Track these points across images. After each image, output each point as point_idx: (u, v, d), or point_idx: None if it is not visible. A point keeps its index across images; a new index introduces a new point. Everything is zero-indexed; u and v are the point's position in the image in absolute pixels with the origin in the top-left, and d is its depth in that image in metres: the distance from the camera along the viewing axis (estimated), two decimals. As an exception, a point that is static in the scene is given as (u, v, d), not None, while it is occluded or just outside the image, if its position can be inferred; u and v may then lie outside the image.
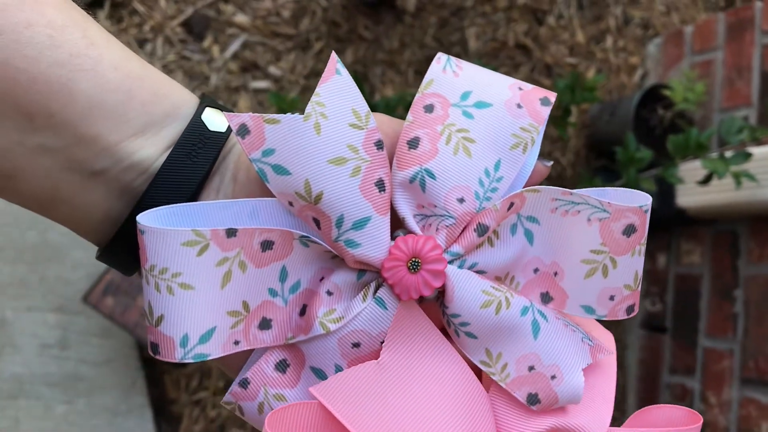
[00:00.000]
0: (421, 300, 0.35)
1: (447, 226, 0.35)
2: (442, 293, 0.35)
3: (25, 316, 1.31)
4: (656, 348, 1.66)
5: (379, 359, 0.34)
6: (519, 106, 0.36)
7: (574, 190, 0.36)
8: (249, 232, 0.33)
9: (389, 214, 0.34)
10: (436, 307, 0.36)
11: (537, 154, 0.37)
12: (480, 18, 1.69)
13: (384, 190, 0.34)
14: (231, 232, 0.33)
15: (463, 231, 0.35)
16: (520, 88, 0.37)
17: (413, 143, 0.35)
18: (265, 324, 0.35)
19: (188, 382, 1.43)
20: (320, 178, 0.33)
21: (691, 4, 1.90)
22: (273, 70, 1.57)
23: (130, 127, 0.34)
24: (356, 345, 0.35)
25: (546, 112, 0.36)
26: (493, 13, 1.69)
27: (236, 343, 0.34)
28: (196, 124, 0.36)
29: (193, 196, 0.36)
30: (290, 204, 0.34)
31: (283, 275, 0.35)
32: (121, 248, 0.36)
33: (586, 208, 0.36)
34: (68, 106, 0.32)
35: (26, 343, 1.31)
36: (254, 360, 0.36)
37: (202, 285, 0.33)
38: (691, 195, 1.51)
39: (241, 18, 1.57)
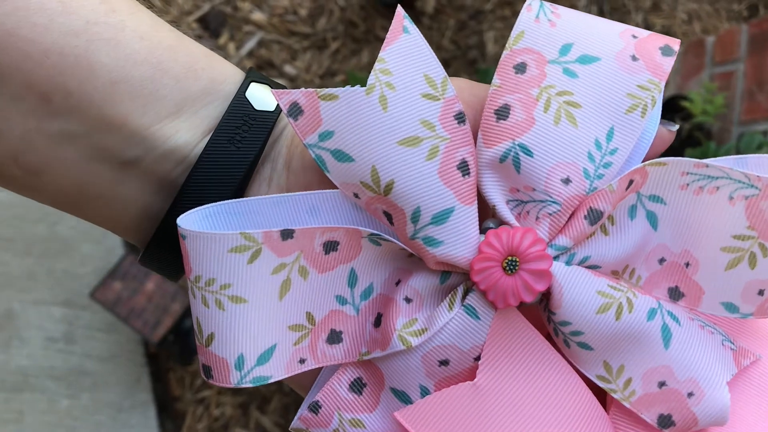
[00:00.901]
0: (521, 304, 0.30)
1: (550, 214, 0.29)
2: (546, 296, 0.30)
3: (31, 309, 1.31)
4: None
5: (475, 380, 0.29)
6: (634, 58, 0.30)
7: (710, 160, 0.29)
8: (309, 232, 0.28)
9: (476, 202, 0.29)
10: (538, 310, 0.31)
11: (659, 117, 0.31)
12: (499, 22, 1.67)
13: (469, 174, 0.29)
14: (287, 234, 0.28)
15: (570, 218, 0.29)
16: (634, 36, 0.30)
17: (502, 113, 0.29)
18: (334, 337, 0.30)
19: (192, 380, 1.43)
20: (390, 164, 0.28)
21: (714, 14, 1.87)
22: (288, 68, 1.56)
23: (163, 107, 0.29)
24: (444, 363, 0.30)
25: (668, 64, 0.30)
26: (513, 17, 1.68)
27: (302, 361, 0.30)
28: (240, 103, 0.31)
29: (240, 188, 0.31)
30: (356, 196, 0.29)
31: (353, 279, 0.30)
32: (162, 249, 0.31)
33: (727, 184, 0.29)
34: (87, 83, 0.28)
35: (32, 336, 1.30)
36: (325, 379, 0.32)
37: (256, 297, 0.28)
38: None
39: (258, 15, 1.57)
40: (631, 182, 0.29)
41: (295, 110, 0.28)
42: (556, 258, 0.29)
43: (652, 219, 0.30)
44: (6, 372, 1.29)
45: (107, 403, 1.33)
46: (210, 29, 1.54)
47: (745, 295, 0.30)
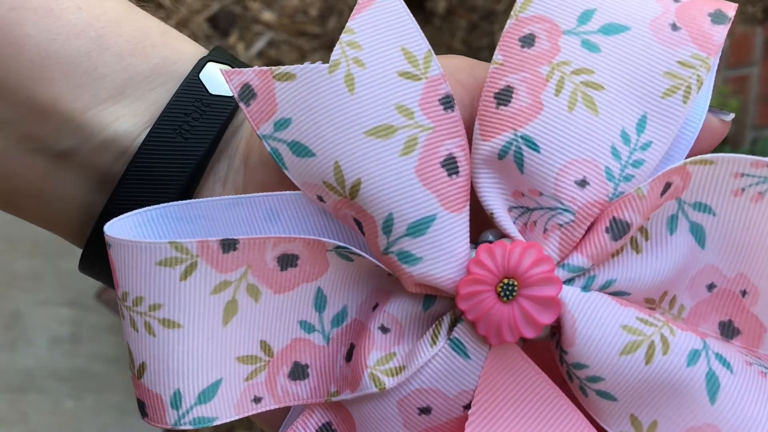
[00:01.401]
0: (522, 340, 0.24)
1: (561, 226, 0.23)
2: (557, 329, 0.24)
3: (38, 310, 1.30)
4: None
5: None
6: (675, 27, 0.24)
7: None
8: (257, 243, 0.23)
9: (467, 209, 0.23)
10: (549, 346, 0.25)
11: (707, 103, 0.25)
12: (510, 23, 1.66)
13: (457, 173, 0.23)
14: (229, 245, 0.23)
15: (588, 231, 0.23)
16: (675, 0, 0.24)
17: (504, 96, 0.23)
18: (298, 372, 0.25)
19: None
20: (356, 159, 0.23)
21: (728, 17, 1.86)
22: (298, 69, 1.56)
23: (102, 89, 0.25)
24: (425, 411, 0.24)
25: (720, 34, 0.24)
26: (524, 19, 1.67)
27: (257, 400, 0.25)
28: (192, 85, 0.26)
29: (188, 188, 0.26)
30: (320, 199, 0.24)
31: (320, 301, 0.25)
32: (100, 256, 0.26)
33: None
34: (12, 59, 0.24)
35: (38, 336, 1.30)
36: (292, 420, 0.26)
37: (193, 321, 0.23)
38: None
39: (267, 15, 1.56)
40: (667, 186, 0.23)
41: (247, 93, 0.23)
42: (569, 281, 0.24)
43: (698, 233, 0.24)
44: (11, 372, 1.29)
45: (112, 405, 1.32)
46: (219, 29, 1.54)
47: None
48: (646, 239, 0.24)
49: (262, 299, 0.24)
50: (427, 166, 0.23)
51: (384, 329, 0.25)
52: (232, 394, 0.24)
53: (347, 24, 0.24)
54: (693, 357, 0.23)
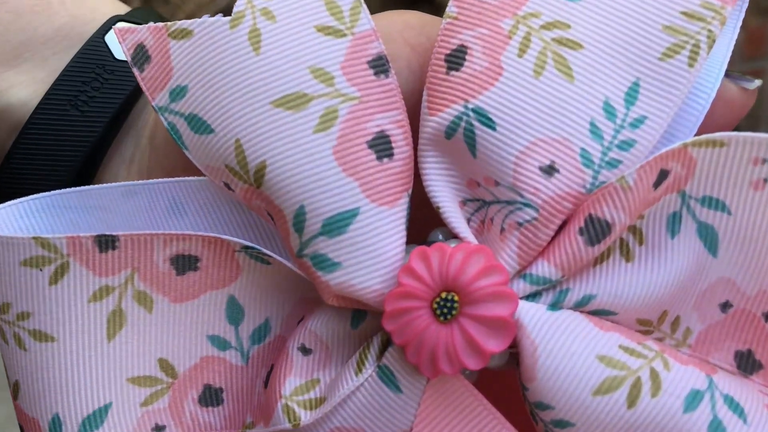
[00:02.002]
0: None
1: (520, 224, 0.18)
2: (516, 356, 0.19)
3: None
4: None
5: None
6: None
7: None
8: (142, 240, 0.19)
9: (404, 201, 0.19)
10: (512, 374, 0.20)
11: (724, 65, 0.20)
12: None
13: (390, 156, 0.19)
14: (106, 242, 0.19)
15: (559, 233, 0.19)
16: None
17: (455, 59, 0.19)
18: (211, 396, 0.21)
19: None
20: (260, 137, 0.19)
21: (742, 9, 1.84)
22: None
23: None
24: None
25: None
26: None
27: (158, 429, 0.21)
28: (94, 49, 0.22)
29: (86, 171, 0.23)
30: (228, 186, 0.20)
31: (235, 312, 0.21)
32: None
33: None
34: None
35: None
36: None
37: (69, 334, 0.20)
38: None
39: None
40: (663, 174, 0.18)
41: (141, 56, 0.20)
42: (533, 296, 0.19)
43: (709, 237, 0.19)
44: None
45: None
46: (227, 23, 1.53)
47: None
48: (640, 244, 0.19)
49: (156, 309, 0.20)
50: (350, 146, 0.19)
51: (305, 350, 0.20)
52: (126, 421, 0.21)
53: None
54: (693, 400, 0.18)
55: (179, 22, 0.19)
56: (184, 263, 0.20)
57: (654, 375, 0.18)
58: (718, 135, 0.18)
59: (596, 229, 0.18)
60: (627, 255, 0.19)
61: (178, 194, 0.20)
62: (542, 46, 0.18)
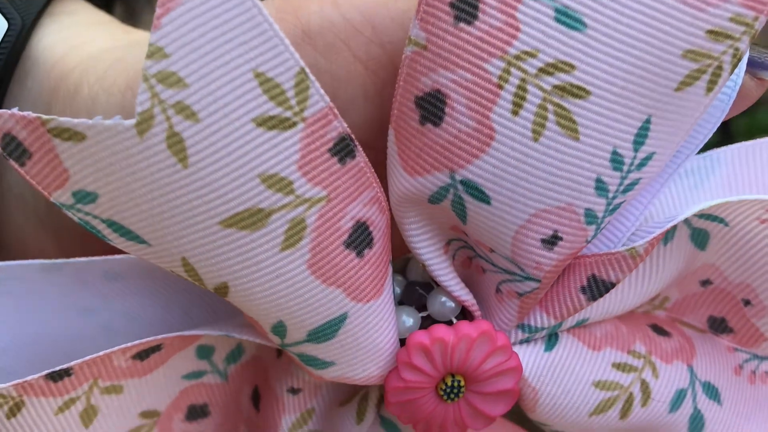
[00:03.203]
0: None
1: (521, 295, 0.18)
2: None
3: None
4: None
5: None
6: None
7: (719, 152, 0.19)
8: (98, 361, 0.18)
9: (389, 282, 0.18)
10: None
11: (743, 69, 0.18)
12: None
13: (370, 245, 0.17)
14: (59, 375, 0.17)
15: (556, 284, 0.18)
16: None
17: (431, 108, 0.16)
18: (196, 412, 0.20)
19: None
20: (213, 259, 0.16)
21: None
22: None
23: None
24: None
25: None
26: None
27: None
28: None
29: None
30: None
31: (204, 351, 0.20)
32: None
33: None
34: None
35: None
36: None
37: None
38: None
39: None
40: (673, 228, 0.18)
41: (16, 149, 0.15)
42: (527, 339, 0.19)
43: (700, 239, 0.19)
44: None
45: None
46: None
47: None
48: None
49: (127, 390, 0.19)
50: (326, 255, 0.16)
51: (294, 391, 0.19)
52: None
53: (151, 37, 0.14)
54: (677, 399, 0.19)
55: (61, 120, 0.15)
56: (146, 352, 0.18)
57: (644, 387, 0.19)
58: (721, 209, 0.18)
59: (600, 289, 0.18)
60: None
61: (113, 266, 0.18)
62: (542, 97, 0.15)
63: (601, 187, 0.16)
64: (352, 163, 0.16)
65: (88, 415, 0.18)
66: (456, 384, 0.18)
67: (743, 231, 0.19)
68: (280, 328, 0.16)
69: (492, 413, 0.18)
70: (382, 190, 0.17)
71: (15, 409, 0.17)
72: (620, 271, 0.17)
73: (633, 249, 0.17)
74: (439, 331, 0.17)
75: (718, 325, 0.21)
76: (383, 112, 0.17)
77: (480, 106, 0.15)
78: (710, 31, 0.15)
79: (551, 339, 0.19)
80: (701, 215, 0.18)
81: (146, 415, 0.19)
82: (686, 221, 0.19)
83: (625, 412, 0.19)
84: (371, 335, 0.17)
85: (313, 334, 0.17)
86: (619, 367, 0.19)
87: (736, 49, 0.15)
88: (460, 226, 0.17)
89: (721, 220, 0.19)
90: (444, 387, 0.18)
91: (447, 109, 0.15)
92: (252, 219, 0.15)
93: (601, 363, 0.19)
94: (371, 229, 0.17)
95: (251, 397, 0.20)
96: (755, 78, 0.18)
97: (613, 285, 0.17)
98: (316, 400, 0.20)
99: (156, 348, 0.18)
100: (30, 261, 0.18)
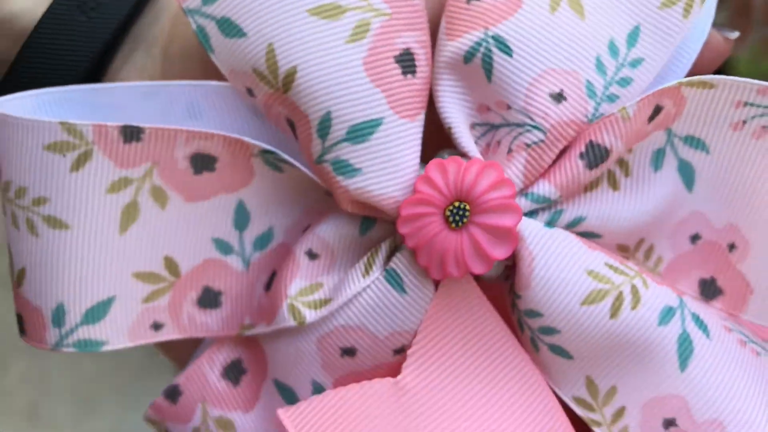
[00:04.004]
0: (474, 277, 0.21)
1: (528, 145, 0.20)
2: (511, 268, 0.21)
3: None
4: None
5: (398, 378, 0.21)
6: None
7: None
8: (166, 134, 0.20)
9: (422, 118, 0.20)
10: (501, 289, 0.22)
11: (710, 18, 0.22)
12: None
13: (414, 73, 0.20)
14: (131, 133, 0.20)
15: (560, 157, 0.20)
16: None
17: None
18: (209, 299, 0.22)
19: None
20: (293, 42, 0.19)
21: (760, -25, 1.80)
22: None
23: None
24: (349, 352, 0.21)
25: None
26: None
27: (156, 327, 0.22)
28: None
29: (92, 76, 0.23)
30: (250, 93, 0.21)
31: (242, 218, 0.21)
32: None
33: None
34: None
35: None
36: (199, 355, 0.23)
37: (84, 223, 0.20)
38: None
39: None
40: (658, 110, 0.20)
41: None
42: (531, 214, 0.20)
43: (687, 173, 0.21)
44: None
45: (131, 364, 1.33)
46: None
47: None
48: (626, 175, 0.21)
49: (169, 206, 0.21)
50: (379, 59, 0.20)
51: (312, 255, 0.21)
52: (127, 316, 0.21)
53: None
54: (666, 315, 0.20)
55: None
56: (202, 162, 0.20)
57: (634, 290, 0.20)
58: (708, 77, 0.20)
59: (596, 155, 0.20)
60: (614, 185, 0.21)
61: (197, 98, 0.21)
62: None
63: (600, 67, 0.20)
64: (413, 2, 0.20)
65: (129, 213, 0.20)
66: (462, 208, 0.20)
67: (721, 153, 0.21)
68: (326, 124, 0.19)
69: (492, 252, 0.19)
70: (430, 45, 0.20)
71: (82, 160, 0.20)
72: (613, 134, 0.20)
73: (623, 109, 0.20)
74: (456, 157, 0.20)
75: (709, 288, 0.22)
76: (438, 16, 0.21)
77: None
78: None
79: (550, 224, 0.21)
80: (686, 140, 0.21)
81: (169, 264, 0.21)
82: (673, 146, 0.21)
83: (615, 310, 0.20)
84: (398, 151, 0.20)
85: (352, 131, 0.19)
86: (611, 268, 0.20)
87: None
88: (486, 90, 0.20)
89: (702, 145, 0.21)
90: (451, 209, 0.20)
91: None
92: (332, 11, 0.19)
93: (595, 258, 0.20)
94: (416, 61, 0.20)
95: (266, 283, 0.22)
96: (722, 36, 0.22)
97: (607, 152, 0.20)
98: (330, 271, 0.21)
99: (210, 163, 0.20)
100: (132, 83, 0.21)
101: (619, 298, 0.20)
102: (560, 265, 0.20)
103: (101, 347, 0.21)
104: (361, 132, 0.19)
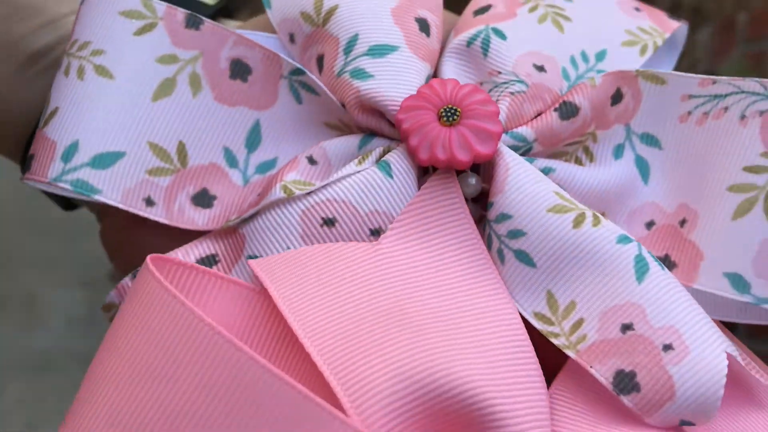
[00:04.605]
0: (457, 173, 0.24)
1: (512, 94, 0.24)
2: (488, 182, 0.24)
3: (54, 291, 1.31)
4: None
5: (378, 241, 0.22)
6: (637, 9, 0.27)
7: (719, 77, 0.23)
8: (219, 32, 0.23)
9: (430, 68, 0.25)
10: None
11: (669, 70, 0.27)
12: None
13: (428, 33, 0.25)
14: (194, 21, 0.23)
15: (537, 116, 0.25)
16: (637, 8, 0.27)
17: (482, 10, 0.26)
18: (204, 199, 0.24)
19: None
20: None
21: (745, -9, 1.83)
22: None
23: None
24: (329, 222, 0.23)
25: (675, 24, 0.27)
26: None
27: (149, 202, 0.23)
28: None
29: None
30: (291, 40, 0.25)
31: (254, 138, 0.24)
32: None
33: (738, 100, 0.22)
34: None
35: (54, 318, 1.31)
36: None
37: (126, 79, 0.23)
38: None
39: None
40: (619, 94, 0.24)
41: None
42: (512, 147, 0.24)
43: (643, 168, 0.24)
44: (29, 353, 1.30)
45: (129, 385, 1.33)
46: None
47: (760, 263, 0.21)
48: (591, 160, 0.25)
49: (199, 96, 0.24)
50: (403, 12, 0.24)
51: (311, 160, 0.24)
52: (128, 177, 0.23)
53: None
54: (624, 239, 0.22)
55: None
56: (238, 69, 0.24)
57: (596, 217, 0.22)
58: (660, 72, 0.24)
59: (568, 109, 0.24)
60: (579, 163, 0.25)
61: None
62: (545, 11, 0.25)
63: (573, 62, 0.25)
64: None
65: (166, 86, 0.23)
66: (454, 110, 0.23)
67: (672, 147, 0.24)
68: (352, 42, 0.23)
69: (476, 146, 0.22)
70: (441, 24, 0.26)
71: (146, 29, 0.23)
72: (582, 96, 0.24)
73: (592, 79, 0.24)
74: (453, 79, 0.24)
75: (663, 262, 0.23)
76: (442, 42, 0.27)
77: (511, 6, 0.26)
78: (639, 27, 0.26)
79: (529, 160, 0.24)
80: (642, 137, 0.24)
81: (180, 150, 0.23)
82: (631, 142, 0.24)
83: (578, 223, 0.22)
84: (407, 69, 0.24)
85: (373, 49, 0.23)
86: (573, 202, 0.23)
87: (655, 42, 0.25)
88: (482, 65, 0.25)
89: (655, 142, 0.24)
90: (445, 109, 0.23)
91: (491, 8, 0.26)
92: None
93: (562, 190, 0.23)
94: (430, 27, 0.25)
95: (259, 195, 0.24)
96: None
97: (577, 109, 0.23)
98: (323, 178, 0.23)
99: (245, 73, 0.24)
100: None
101: (582, 216, 0.22)
102: (532, 178, 0.22)
103: (95, 194, 0.22)
104: (379, 50, 0.23)
